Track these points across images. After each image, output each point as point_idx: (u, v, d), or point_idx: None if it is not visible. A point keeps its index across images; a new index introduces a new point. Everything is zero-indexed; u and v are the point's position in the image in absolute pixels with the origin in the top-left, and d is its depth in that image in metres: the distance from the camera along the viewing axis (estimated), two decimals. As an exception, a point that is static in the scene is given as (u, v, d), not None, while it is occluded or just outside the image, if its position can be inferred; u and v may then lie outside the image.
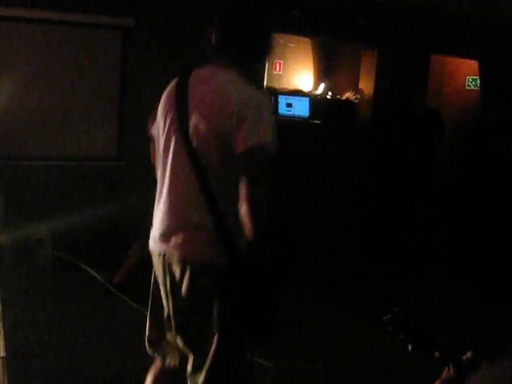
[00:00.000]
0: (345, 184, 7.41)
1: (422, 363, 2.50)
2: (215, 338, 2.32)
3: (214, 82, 2.33)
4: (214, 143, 2.24)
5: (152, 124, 3.21)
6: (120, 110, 6.37)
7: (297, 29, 7.24)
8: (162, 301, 2.50)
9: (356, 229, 7.30)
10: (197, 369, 2.40)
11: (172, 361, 2.55)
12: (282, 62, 8.48)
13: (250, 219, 2.14)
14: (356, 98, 8.02)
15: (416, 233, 7.19)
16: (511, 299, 5.69)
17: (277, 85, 8.24)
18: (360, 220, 7.45)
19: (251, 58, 2.47)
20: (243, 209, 2.16)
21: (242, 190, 2.16)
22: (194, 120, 2.28)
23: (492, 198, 7.12)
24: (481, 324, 5.07)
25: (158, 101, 2.53)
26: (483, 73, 8.32)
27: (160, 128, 2.47)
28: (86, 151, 6.25)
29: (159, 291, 2.51)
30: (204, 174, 2.27)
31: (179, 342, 2.45)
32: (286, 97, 7.65)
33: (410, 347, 1.96)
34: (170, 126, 2.40)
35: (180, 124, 2.34)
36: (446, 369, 1.89)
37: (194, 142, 2.28)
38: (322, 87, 8.53)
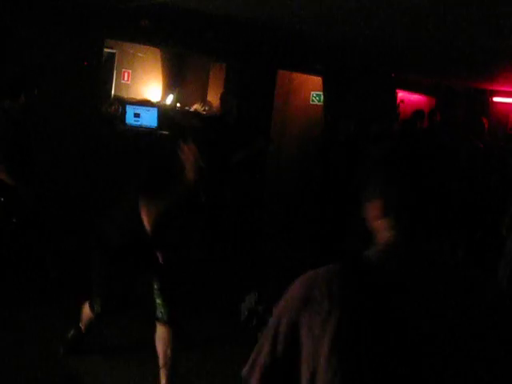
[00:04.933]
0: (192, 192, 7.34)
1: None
2: None
3: None
4: None
5: None
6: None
7: (146, 38, 7.17)
8: None
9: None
10: None
11: None
12: (130, 71, 8.37)
13: None
14: (204, 110, 8.07)
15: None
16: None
17: (125, 94, 8.11)
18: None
19: None
20: None
21: None
22: None
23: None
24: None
25: None
26: (327, 89, 8.67)
27: None
28: None
29: None
30: None
31: None
32: (134, 107, 7.51)
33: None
34: None
35: None
36: None
37: None
38: (170, 98, 8.50)
